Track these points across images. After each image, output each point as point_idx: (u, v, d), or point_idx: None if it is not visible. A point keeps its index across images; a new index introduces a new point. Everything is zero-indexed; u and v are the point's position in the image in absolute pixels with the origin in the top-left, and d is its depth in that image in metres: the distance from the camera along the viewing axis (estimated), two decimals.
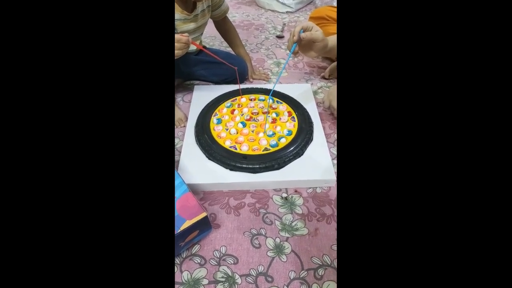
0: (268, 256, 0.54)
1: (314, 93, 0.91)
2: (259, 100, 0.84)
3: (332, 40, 0.75)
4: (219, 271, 0.52)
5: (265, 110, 0.79)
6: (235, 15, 1.48)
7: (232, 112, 0.80)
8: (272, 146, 0.69)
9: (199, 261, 0.53)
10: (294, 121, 0.76)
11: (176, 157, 0.71)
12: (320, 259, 0.53)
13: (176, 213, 0.50)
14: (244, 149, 0.69)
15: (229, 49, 1.05)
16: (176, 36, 0.66)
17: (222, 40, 1.06)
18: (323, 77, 1.00)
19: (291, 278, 0.51)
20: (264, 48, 1.20)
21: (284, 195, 0.64)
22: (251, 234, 0.57)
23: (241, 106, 0.82)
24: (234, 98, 0.84)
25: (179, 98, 0.92)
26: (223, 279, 0.51)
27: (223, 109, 0.81)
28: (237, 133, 0.73)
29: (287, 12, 1.51)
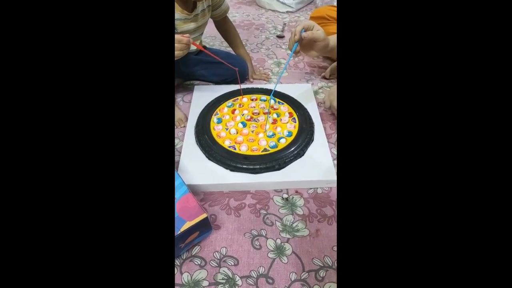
0: (269, 257, 0.54)
1: (315, 93, 0.91)
2: (260, 100, 0.83)
3: (334, 39, 0.75)
4: (219, 272, 0.51)
5: (266, 110, 0.79)
6: (235, 15, 1.48)
7: (233, 112, 0.79)
8: (272, 147, 0.69)
9: (199, 263, 0.53)
10: (295, 122, 0.75)
11: (176, 158, 0.70)
12: (321, 261, 0.53)
13: (176, 215, 0.50)
14: (243, 149, 0.68)
15: (229, 49, 1.05)
16: (177, 36, 0.65)
17: (222, 40, 1.06)
18: (324, 77, 0.99)
19: (292, 279, 0.51)
20: (264, 48, 1.19)
21: (285, 195, 0.64)
22: (251, 235, 0.57)
23: (242, 106, 0.81)
24: (235, 98, 0.84)
25: (179, 98, 0.92)
26: (224, 281, 0.50)
27: (224, 109, 0.80)
28: (237, 133, 0.73)
29: (287, 12, 1.51)
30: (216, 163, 0.67)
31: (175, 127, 0.80)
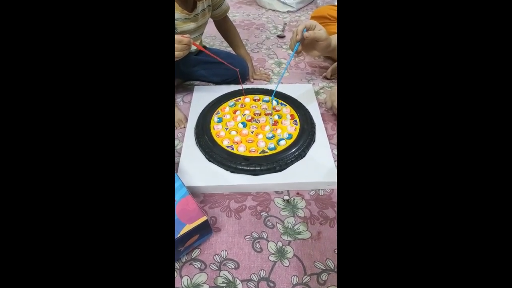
0: (270, 260, 0.53)
1: (316, 94, 0.90)
2: (263, 101, 0.83)
3: (336, 39, 0.74)
4: (219, 276, 0.51)
5: (268, 111, 0.78)
6: (235, 15, 1.47)
7: (234, 112, 0.78)
8: (270, 149, 0.68)
9: (199, 266, 0.52)
10: (296, 124, 0.74)
11: (175, 159, 0.70)
12: (323, 264, 0.52)
13: (175, 217, 0.49)
14: (241, 149, 0.68)
15: (229, 49, 1.04)
16: (177, 37, 0.65)
17: (223, 40, 1.05)
18: (325, 77, 0.99)
19: (294, 283, 0.50)
20: (265, 48, 1.18)
21: (286, 197, 0.63)
22: (252, 237, 0.56)
23: (244, 106, 0.81)
24: (238, 98, 0.83)
25: (179, 99, 0.91)
26: (224, 285, 0.50)
27: (225, 108, 0.80)
28: (236, 133, 0.72)
29: (288, 11, 1.50)
30: (216, 165, 0.66)
31: (175, 128, 0.79)
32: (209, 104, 0.81)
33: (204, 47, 0.94)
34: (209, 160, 0.67)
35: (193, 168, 0.65)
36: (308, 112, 0.78)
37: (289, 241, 0.55)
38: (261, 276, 0.51)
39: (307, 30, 0.67)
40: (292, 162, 0.66)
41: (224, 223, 0.58)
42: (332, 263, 0.52)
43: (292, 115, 0.77)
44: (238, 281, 0.50)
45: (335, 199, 0.63)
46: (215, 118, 0.77)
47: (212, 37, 1.24)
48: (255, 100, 0.83)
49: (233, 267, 0.52)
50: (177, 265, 0.52)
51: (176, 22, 0.76)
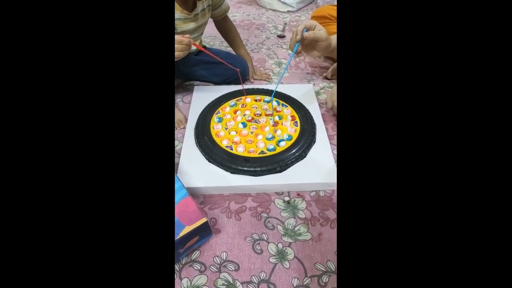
0: (270, 262, 0.52)
1: (317, 94, 0.90)
2: (264, 101, 0.82)
3: (336, 39, 0.73)
4: (219, 278, 0.50)
5: (269, 112, 0.77)
6: (235, 15, 1.46)
7: (235, 112, 0.78)
8: (269, 150, 0.67)
9: (199, 268, 0.51)
10: (297, 126, 0.74)
11: (175, 160, 0.69)
12: (324, 266, 0.52)
13: (175, 219, 0.49)
14: (240, 150, 0.67)
15: (229, 49, 1.04)
16: (178, 37, 0.64)
17: (223, 40, 1.05)
18: (326, 78, 0.98)
19: (294, 285, 0.49)
20: (265, 48, 1.18)
21: (287, 198, 0.63)
22: (252, 239, 0.56)
23: (245, 106, 0.80)
24: (239, 98, 0.83)
25: (178, 99, 0.90)
26: (224, 286, 0.49)
27: (226, 108, 0.79)
28: (236, 133, 0.72)
29: (288, 11, 1.50)
30: (216, 165, 0.66)
31: (175, 128, 0.79)
32: (209, 104, 0.81)
33: (204, 47, 0.94)
34: (209, 161, 0.67)
35: (192, 169, 0.65)
36: (309, 112, 0.78)
37: (290, 243, 0.55)
38: (261, 278, 0.50)
39: (307, 30, 0.66)
40: (292, 163, 0.65)
41: (224, 225, 0.58)
42: (333, 265, 0.52)
43: (293, 116, 0.77)
44: (238, 283, 0.50)
45: (335, 200, 0.62)
46: (215, 118, 0.76)
47: (212, 37, 1.24)
48: (256, 101, 0.82)
49: (233, 269, 0.51)
50: (176, 267, 0.51)
51: (176, 22, 0.76)
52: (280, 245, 0.55)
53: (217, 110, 0.79)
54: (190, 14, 0.78)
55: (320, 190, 0.64)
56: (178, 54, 0.65)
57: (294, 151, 0.67)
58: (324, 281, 0.50)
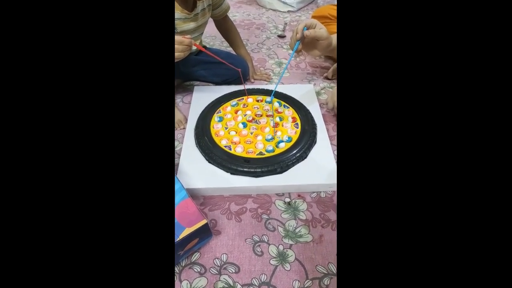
0: (271, 264, 0.52)
1: (317, 94, 0.89)
2: (266, 102, 0.81)
3: (336, 38, 0.73)
4: (219, 280, 0.50)
5: (270, 113, 0.77)
6: (235, 15, 1.46)
7: (236, 112, 0.78)
8: (268, 151, 0.67)
9: (199, 270, 0.51)
10: (297, 127, 0.73)
11: (175, 160, 0.69)
12: (325, 268, 0.51)
13: (175, 220, 0.48)
14: (238, 150, 0.67)
15: (229, 49, 1.03)
16: (179, 38, 0.64)
17: (223, 40, 1.04)
18: (326, 78, 0.98)
19: None
20: (265, 48, 1.17)
21: (287, 200, 0.62)
22: (253, 241, 0.55)
23: (247, 106, 0.80)
24: (240, 98, 0.82)
25: (178, 99, 0.90)
26: None
27: (227, 107, 0.79)
28: (236, 133, 0.71)
29: (288, 11, 1.49)
30: (217, 166, 0.65)
31: (175, 128, 0.78)
32: (209, 104, 0.80)
33: (204, 47, 0.93)
34: (209, 162, 0.66)
35: (192, 170, 0.65)
36: (309, 113, 0.77)
37: (291, 245, 0.55)
38: (262, 280, 0.50)
39: (307, 29, 0.66)
40: (293, 164, 0.65)
41: (224, 226, 0.57)
42: (334, 267, 0.51)
43: (293, 118, 0.76)
44: (238, 286, 0.49)
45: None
46: (215, 117, 0.76)
47: (212, 37, 1.24)
48: (258, 101, 0.82)
49: (233, 271, 0.51)
50: (176, 269, 0.51)
51: (176, 21, 0.75)
52: (281, 247, 0.54)
53: (218, 109, 0.78)
54: (190, 13, 0.77)
55: (321, 191, 0.63)
56: (179, 54, 0.65)
57: (294, 151, 0.66)
58: (326, 283, 0.49)
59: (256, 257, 0.53)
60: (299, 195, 0.63)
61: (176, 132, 0.78)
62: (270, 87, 0.87)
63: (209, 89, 0.90)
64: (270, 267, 0.51)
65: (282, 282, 0.49)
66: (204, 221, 0.49)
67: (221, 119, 0.75)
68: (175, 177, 0.55)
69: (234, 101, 0.81)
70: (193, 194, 0.61)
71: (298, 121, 0.75)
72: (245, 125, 0.73)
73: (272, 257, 0.53)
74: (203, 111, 0.78)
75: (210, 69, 0.90)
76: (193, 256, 0.53)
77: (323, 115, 0.79)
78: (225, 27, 0.96)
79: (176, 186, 0.53)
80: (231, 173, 0.64)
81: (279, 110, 0.78)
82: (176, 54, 0.65)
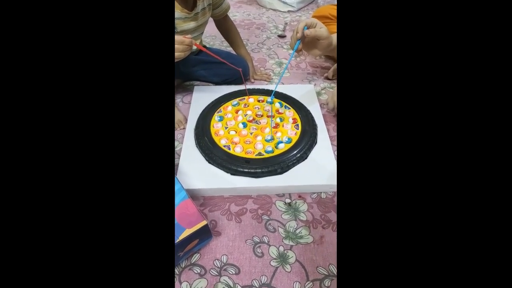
0: (272, 265, 0.51)
1: (318, 94, 0.89)
2: (267, 102, 0.81)
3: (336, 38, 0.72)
4: (220, 281, 0.49)
5: (270, 113, 0.76)
6: (235, 14, 1.46)
7: (237, 111, 0.77)
8: (267, 152, 0.66)
9: (198, 271, 0.51)
10: (297, 129, 0.73)
11: (175, 161, 0.68)
12: (326, 269, 0.51)
13: (175, 221, 0.48)
14: (237, 150, 0.66)
15: (229, 49, 1.03)
16: (179, 37, 0.63)
17: (223, 39, 1.04)
18: (327, 78, 0.97)
19: None
20: (265, 47, 1.17)
21: (288, 200, 0.62)
22: (253, 242, 0.55)
23: (248, 106, 0.79)
24: (242, 98, 0.82)
25: (178, 99, 0.90)
26: None
27: (228, 107, 0.78)
28: (235, 133, 0.71)
29: (288, 11, 1.49)
30: (217, 167, 0.65)
31: (175, 129, 0.78)
32: (209, 104, 0.80)
33: (204, 46, 0.93)
34: (209, 162, 0.66)
35: (192, 170, 0.64)
36: (310, 113, 0.77)
37: (291, 246, 0.54)
38: (262, 282, 0.49)
39: (308, 28, 0.65)
40: (293, 164, 0.65)
41: (224, 227, 0.57)
42: (335, 269, 0.51)
43: (294, 119, 0.76)
44: (238, 287, 0.49)
45: None
46: (216, 116, 0.76)
47: (212, 37, 1.23)
48: (259, 101, 0.82)
49: (233, 272, 0.51)
50: (176, 270, 0.51)
51: (176, 21, 0.75)
52: (281, 248, 0.54)
53: (219, 108, 0.78)
54: (190, 13, 0.77)
55: (321, 192, 0.63)
56: (179, 54, 0.65)
57: (295, 152, 0.66)
58: (326, 285, 0.49)
59: (257, 258, 0.52)
60: (299, 196, 0.62)
61: (176, 132, 0.78)
62: (270, 87, 0.87)
63: (209, 89, 0.90)
64: (270, 269, 0.51)
65: (282, 284, 0.49)
66: (204, 222, 0.48)
67: (221, 118, 0.75)
68: (175, 178, 0.54)
69: (235, 101, 0.81)
70: (193, 194, 0.61)
71: (299, 122, 0.75)
72: (245, 125, 0.73)
73: (273, 258, 0.52)
74: (203, 111, 0.78)
75: (210, 69, 0.89)
76: (193, 257, 0.52)
77: (324, 116, 0.79)
78: (225, 27, 0.96)
79: (176, 187, 0.53)
80: (231, 174, 0.63)
81: (280, 111, 0.78)
82: (177, 54, 0.64)
